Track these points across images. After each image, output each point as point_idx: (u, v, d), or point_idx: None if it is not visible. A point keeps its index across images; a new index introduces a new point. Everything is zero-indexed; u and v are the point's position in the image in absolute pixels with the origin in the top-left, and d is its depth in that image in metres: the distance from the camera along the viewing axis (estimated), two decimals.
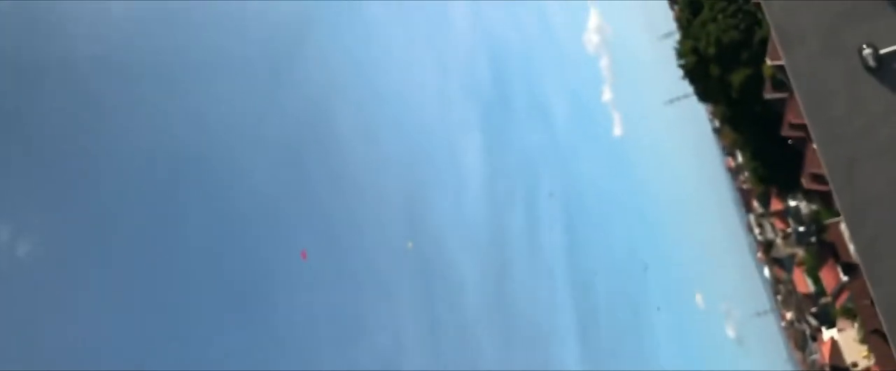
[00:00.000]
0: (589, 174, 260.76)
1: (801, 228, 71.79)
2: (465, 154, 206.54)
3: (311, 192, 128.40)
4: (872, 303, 27.83)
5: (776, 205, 79.35)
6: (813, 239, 68.20)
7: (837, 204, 27.31)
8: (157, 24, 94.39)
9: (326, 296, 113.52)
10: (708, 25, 49.68)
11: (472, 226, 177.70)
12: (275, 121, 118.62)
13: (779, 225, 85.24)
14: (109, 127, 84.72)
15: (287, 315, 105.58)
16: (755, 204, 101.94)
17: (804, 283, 74.96)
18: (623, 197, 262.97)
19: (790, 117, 39.14)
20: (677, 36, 71.18)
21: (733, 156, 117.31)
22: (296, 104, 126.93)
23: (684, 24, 58.43)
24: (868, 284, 27.09)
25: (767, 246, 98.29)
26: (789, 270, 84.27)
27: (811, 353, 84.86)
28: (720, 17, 48.86)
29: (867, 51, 25.20)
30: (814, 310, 75.00)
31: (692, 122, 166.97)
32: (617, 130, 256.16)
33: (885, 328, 27.27)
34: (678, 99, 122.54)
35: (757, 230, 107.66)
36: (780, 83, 38.86)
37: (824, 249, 60.29)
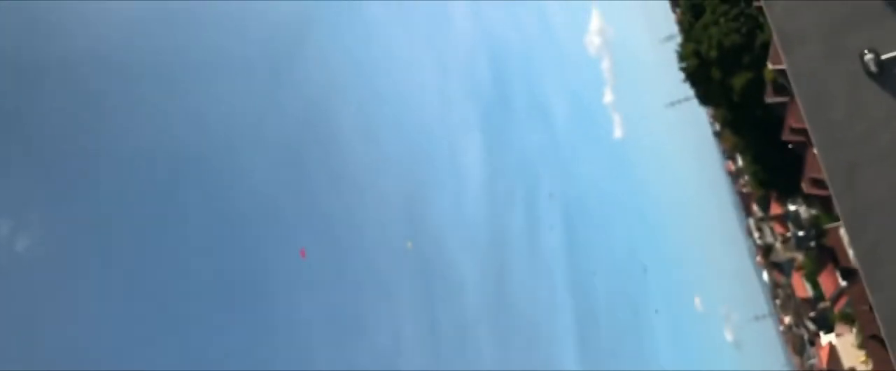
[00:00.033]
0: (589, 176, 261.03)
1: (801, 233, 71.76)
2: (465, 154, 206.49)
3: (311, 192, 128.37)
4: (871, 308, 27.79)
5: (776, 209, 79.33)
6: (812, 243, 68.19)
7: (837, 209, 27.27)
8: (157, 23, 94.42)
9: (326, 295, 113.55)
10: (710, 29, 49.67)
11: (471, 226, 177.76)
12: (275, 120, 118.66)
13: (778, 229, 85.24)
14: (110, 125, 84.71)
15: (286, 314, 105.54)
16: (755, 208, 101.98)
17: (803, 288, 74.99)
18: (623, 199, 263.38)
19: (791, 121, 39.14)
20: (679, 39, 71.19)
21: (733, 159, 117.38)
22: (296, 104, 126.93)
23: (686, 27, 58.41)
24: (867, 290, 27.06)
25: (767, 250, 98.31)
26: (788, 275, 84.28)
27: (809, 358, 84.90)
28: (722, 20, 48.85)
29: (869, 56, 25.16)
30: (812, 314, 74.98)
31: (693, 125, 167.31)
32: (617, 132, 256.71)
33: (883, 334, 27.23)
34: (679, 102, 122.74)
35: (756, 234, 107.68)
36: (782, 87, 38.86)
37: (823, 254, 60.30)
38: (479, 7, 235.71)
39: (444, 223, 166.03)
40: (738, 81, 48.20)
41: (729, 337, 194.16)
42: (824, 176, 27.33)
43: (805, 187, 42.92)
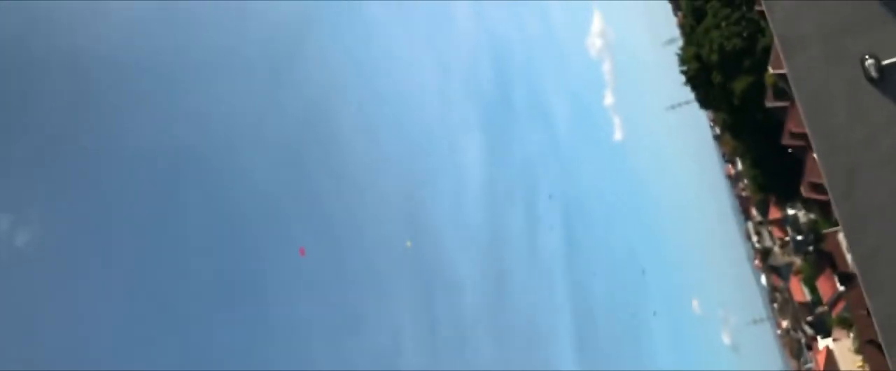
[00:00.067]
0: (589, 177, 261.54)
1: (799, 237, 71.85)
2: (465, 155, 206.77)
3: (311, 191, 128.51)
4: (869, 313, 27.86)
5: (775, 213, 79.43)
6: (811, 248, 68.28)
7: (836, 214, 27.31)
8: (158, 23, 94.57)
9: (325, 294, 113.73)
10: (711, 32, 49.73)
11: (471, 226, 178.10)
12: (275, 120, 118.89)
13: (777, 233, 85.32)
14: (110, 124, 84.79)
15: (285, 313, 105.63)
16: (754, 212, 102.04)
17: (801, 292, 75.05)
18: (622, 201, 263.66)
19: (791, 126, 39.21)
20: (680, 42, 71.22)
21: (733, 163, 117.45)
22: (296, 103, 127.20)
23: (687, 31, 58.47)
24: (865, 295, 27.10)
25: (765, 254, 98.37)
26: (786, 279, 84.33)
27: (806, 362, 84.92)
28: (723, 24, 48.91)
29: (870, 61, 25.20)
30: (810, 319, 75.06)
31: (693, 128, 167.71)
32: (617, 134, 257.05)
33: (880, 339, 27.27)
34: (679, 105, 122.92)
35: (755, 238, 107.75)
36: (782, 92, 38.91)
37: (822, 259, 60.37)
38: (481, 7, 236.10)
39: (443, 223, 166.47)
40: (739, 85, 48.26)
41: (726, 340, 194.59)
42: (824, 180, 27.38)
43: (804, 192, 42.96)
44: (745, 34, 47.69)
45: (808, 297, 73.01)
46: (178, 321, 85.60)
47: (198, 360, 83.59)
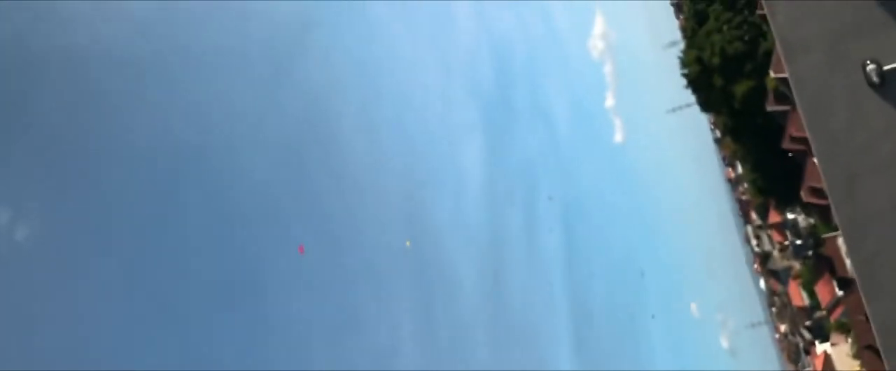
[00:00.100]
0: (589, 179, 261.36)
1: (799, 241, 71.98)
2: (465, 155, 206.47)
3: (311, 189, 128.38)
4: (867, 318, 27.84)
5: (774, 217, 79.49)
6: (810, 252, 68.38)
7: (836, 218, 27.30)
8: (160, 21, 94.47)
9: (323, 293, 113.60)
10: (713, 36, 49.74)
11: (470, 226, 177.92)
12: (276, 119, 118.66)
13: (776, 237, 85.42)
14: (111, 120, 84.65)
15: (283, 312, 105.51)
16: (754, 215, 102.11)
17: (799, 297, 75.12)
18: (622, 203, 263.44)
19: (792, 130, 39.19)
20: (682, 45, 71.25)
21: (733, 166, 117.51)
22: (297, 103, 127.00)
23: (689, 34, 58.47)
24: (864, 300, 27.09)
25: (764, 257, 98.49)
26: (785, 283, 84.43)
27: (804, 367, 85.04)
28: (725, 28, 48.93)
29: (871, 66, 25.21)
30: (808, 323, 75.12)
31: (693, 131, 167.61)
32: (618, 137, 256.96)
33: (878, 344, 27.25)
34: (680, 108, 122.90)
35: (754, 241, 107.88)
36: (783, 96, 38.91)
37: (821, 263, 60.35)
38: (483, 7, 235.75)
39: (443, 223, 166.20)
40: (740, 89, 48.26)
41: (724, 344, 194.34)
42: (824, 185, 27.37)
43: (804, 196, 42.96)
44: (746, 38, 47.70)
45: (806, 301, 73.06)
46: (175, 319, 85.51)
47: (195, 357, 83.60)
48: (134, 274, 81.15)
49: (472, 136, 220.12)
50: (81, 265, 77.64)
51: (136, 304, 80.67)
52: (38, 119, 73.95)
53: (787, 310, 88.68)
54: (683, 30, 76.34)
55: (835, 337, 58.54)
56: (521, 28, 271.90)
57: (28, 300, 69.27)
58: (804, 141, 30.37)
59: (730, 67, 48.73)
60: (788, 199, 57.72)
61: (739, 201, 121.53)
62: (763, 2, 28.82)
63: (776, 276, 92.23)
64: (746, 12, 47.42)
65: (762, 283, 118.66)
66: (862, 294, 27.02)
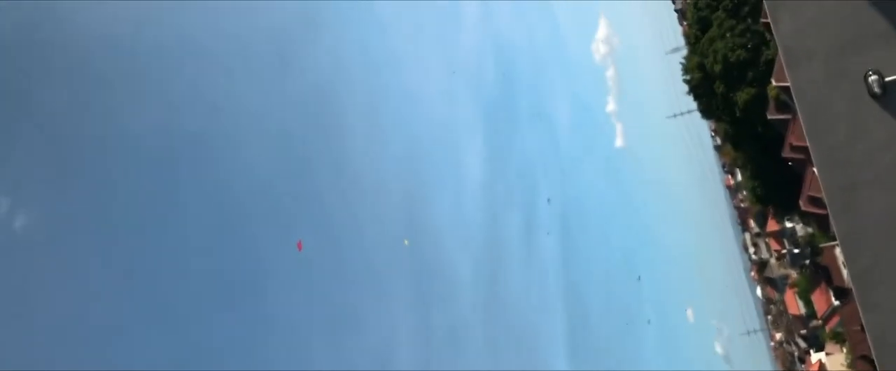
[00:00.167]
0: (588, 183, 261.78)
1: (796, 250, 72.02)
2: (466, 155, 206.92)
3: (312, 186, 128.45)
4: (863, 329, 27.81)
5: (772, 225, 79.53)
6: (807, 261, 68.43)
7: (834, 228, 27.28)
8: (166, 11, 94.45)
9: (320, 291, 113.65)
10: (716, 43, 49.77)
11: (469, 227, 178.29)
12: (280, 114, 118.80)
13: (774, 245, 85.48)
14: (113, 114, 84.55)
15: (281, 309, 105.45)
16: (752, 223, 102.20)
17: (795, 305, 75.14)
18: (620, 207, 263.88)
19: (792, 139, 39.21)
20: (684, 51, 71.37)
21: (733, 174, 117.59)
22: (301, 99, 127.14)
23: (692, 41, 58.53)
24: (859, 310, 27.09)
25: (761, 265, 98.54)
26: (781, 291, 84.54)
27: None
28: (728, 35, 48.95)
29: (873, 77, 25.18)
30: (803, 332, 75.19)
31: (694, 138, 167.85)
32: (619, 141, 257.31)
33: (873, 355, 27.24)
34: (681, 114, 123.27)
35: (752, 249, 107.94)
36: (784, 104, 38.96)
37: (817, 273, 60.43)
38: (488, 8, 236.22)
39: (442, 223, 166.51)
40: (742, 97, 48.29)
41: (719, 350, 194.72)
42: (823, 194, 27.35)
43: (802, 205, 42.94)
44: (749, 46, 47.73)
45: (802, 310, 73.10)
46: (174, 316, 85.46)
47: (193, 356, 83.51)
48: (132, 271, 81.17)
49: (473, 136, 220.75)
50: (80, 261, 77.62)
51: (134, 301, 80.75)
52: (40, 106, 73.99)
53: (783, 318, 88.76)
54: (686, 36, 76.43)
55: (830, 346, 58.64)
56: (525, 30, 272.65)
57: (25, 297, 69.19)
58: (804, 150, 30.35)
59: (732, 75, 48.77)
60: (787, 207, 57.73)
61: (738, 209, 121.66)
62: (767, 10, 28.82)
63: (773, 284, 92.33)
64: (750, 20, 47.46)
65: (759, 291, 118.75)
66: (858, 304, 27.02)
